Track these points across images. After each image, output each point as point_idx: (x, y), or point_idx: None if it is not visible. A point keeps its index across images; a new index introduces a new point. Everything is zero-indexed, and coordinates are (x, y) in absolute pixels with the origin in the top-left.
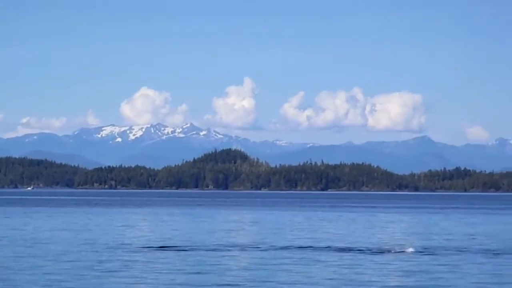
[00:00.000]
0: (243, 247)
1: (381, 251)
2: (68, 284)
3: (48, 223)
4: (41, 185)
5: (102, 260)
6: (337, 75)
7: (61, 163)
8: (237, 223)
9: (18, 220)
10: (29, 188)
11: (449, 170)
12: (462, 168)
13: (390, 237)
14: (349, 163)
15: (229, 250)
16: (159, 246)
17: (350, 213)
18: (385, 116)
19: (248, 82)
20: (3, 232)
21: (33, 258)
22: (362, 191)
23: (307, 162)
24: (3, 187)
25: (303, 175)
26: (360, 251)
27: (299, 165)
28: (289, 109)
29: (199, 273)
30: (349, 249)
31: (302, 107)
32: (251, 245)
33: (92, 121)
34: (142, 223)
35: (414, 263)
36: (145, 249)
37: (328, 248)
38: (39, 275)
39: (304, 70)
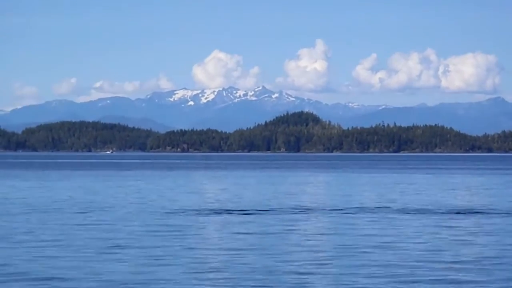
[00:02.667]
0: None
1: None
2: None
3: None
4: (114, 149)
5: (181, 222)
6: (410, 37)
7: (133, 127)
8: (322, 184)
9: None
10: (108, 152)
11: None
12: None
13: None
14: (421, 125)
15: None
16: (241, 209)
17: (427, 174)
18: (458, 77)
19: (320, 44)
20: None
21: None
22: (434, 153)
23: (379, 124)
24: (77, 150)
25: (375, 137)
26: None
27: (371, 127)
28: (362, 71)
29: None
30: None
31: (374, 69)
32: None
33: (165, 84)
34: (218, 186)
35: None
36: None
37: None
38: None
39: (376, 32)
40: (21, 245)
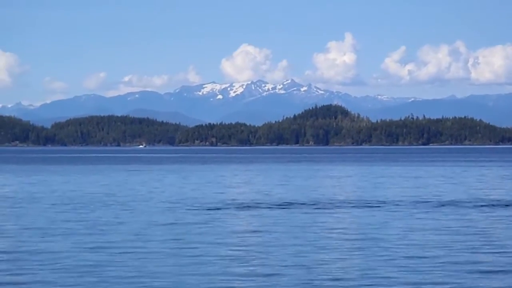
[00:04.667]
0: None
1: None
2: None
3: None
4: (143, 143)
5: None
6: (439, 29)
7: (162, 121)
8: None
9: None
10: (140, 146)
11: None
12: None
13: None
14: (451, 117)
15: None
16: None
17: (456, 167)
18: (488, 69)
19: (349, 37)
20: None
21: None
22: (464, 145)
23: (408, 116)
24: (105, 145)
25: (404, 130)
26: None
27: (400, 119)
28: (391, 63)
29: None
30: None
31: (403, 61)
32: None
33: (193, 78)
34: (252, 179)
35: None
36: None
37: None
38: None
39: (405, 24)
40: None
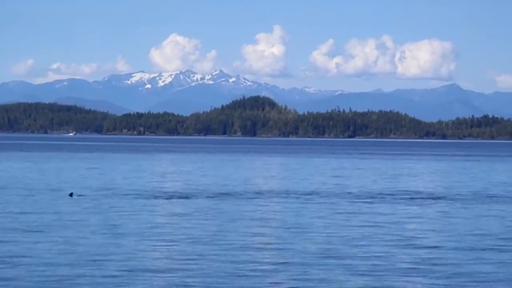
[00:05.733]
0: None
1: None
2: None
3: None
4: (70, 130)
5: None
6: (367, 23)
7: (90, 109)
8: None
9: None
10: (70, 134)
11: (477, 118)
12: (490, 116)
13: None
14: (377, 111)
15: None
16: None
17: (377, 160)
18: (414, 63)
19: (278, 29)
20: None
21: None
22: (389, 138)
23: (335, 109)
24: (33, 132)
25: (331, 123)
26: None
27: (327, 112)
28: (319, 56)
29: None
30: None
31: (331, 54)
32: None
33: (122, 67)
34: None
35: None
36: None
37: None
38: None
39: (334, 18)
40: None
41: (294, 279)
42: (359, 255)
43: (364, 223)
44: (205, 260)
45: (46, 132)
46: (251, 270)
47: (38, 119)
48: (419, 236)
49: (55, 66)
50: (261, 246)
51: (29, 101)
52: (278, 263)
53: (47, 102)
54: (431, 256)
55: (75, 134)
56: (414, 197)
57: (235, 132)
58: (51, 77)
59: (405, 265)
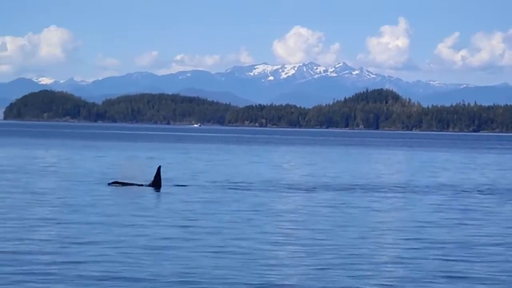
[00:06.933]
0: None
1: None
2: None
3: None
4: (193, 122)
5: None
6: (494, 15)
7: (213, 101)
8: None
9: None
10: (195, 125)
11: None
12: None
13: None
14: (503, 105)
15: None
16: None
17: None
18: None
19: (402, 22)
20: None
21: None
22: None
23: (459, 103)
24: (155, 123)
25: (455, 116)
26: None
27: (452, 106)
28: (444, 49)
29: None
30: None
31: (456, 47)
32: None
33: (245, 59)
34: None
35: None
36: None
37: None
38: None
39: (459, 10)
40: None
41: None
42: None
43: None
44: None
45: (168, 123)
46: None
47: (161, 110)
48: None
49: (178, 57)
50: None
51: (153, 92)
52: None
53: (170, 93)
54: None
55: (200, 126)
56: None
57: (357, 125)
58: (175, 68)
59: None
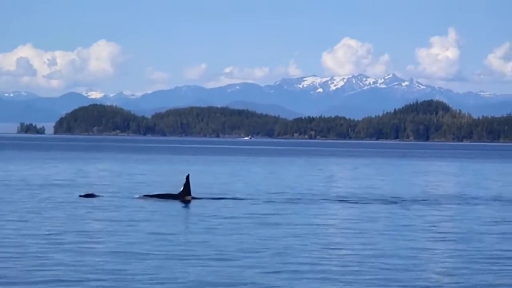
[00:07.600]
0: None
1: None
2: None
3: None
4: (242, 134)
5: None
6: None
7: (262, 113)
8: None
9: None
10: (246, 138)
11: None
12: None
13: None
14: None
15: None
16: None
17: None
18: None
19: (452, 32)
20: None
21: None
22: None
23: (510, 113)
24: (205, 135)
25: (506, 127)
26: None
27: (503, 116)
28: (494, 59)
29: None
30: None
31: (507, 57)
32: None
33: (294, 71)
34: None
35: None
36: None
37: None
38: None
39: (509, 20)
40: None
41: None
42: None
43: None
44: None
45: (218, 136)
46: None
47: (210, 123)
48: None
49: (227, 70)
50: None
51: (202, 105)
52: None
53: (219, 106)
54: None
55: (250, 138)
56: None
57: (407, 137)
58: (224, 81)
59: None
